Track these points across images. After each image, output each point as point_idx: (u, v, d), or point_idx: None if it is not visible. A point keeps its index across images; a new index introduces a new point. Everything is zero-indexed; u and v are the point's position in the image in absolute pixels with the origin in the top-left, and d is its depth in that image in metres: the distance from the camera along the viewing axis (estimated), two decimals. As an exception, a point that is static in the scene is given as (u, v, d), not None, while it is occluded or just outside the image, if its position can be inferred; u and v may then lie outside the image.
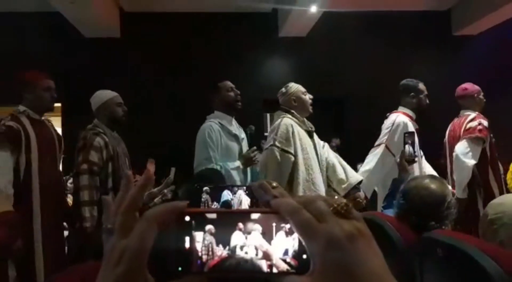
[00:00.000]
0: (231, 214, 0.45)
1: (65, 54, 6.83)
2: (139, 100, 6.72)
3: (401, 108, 3.27)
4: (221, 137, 2.76)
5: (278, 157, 2.69)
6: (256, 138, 4.31)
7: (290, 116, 2.87)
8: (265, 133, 8.21)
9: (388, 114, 3.30)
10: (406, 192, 1.68)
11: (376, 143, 3.20)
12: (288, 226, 0.43)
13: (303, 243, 0.42)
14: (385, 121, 3.27)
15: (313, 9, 6.18)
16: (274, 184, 0.74)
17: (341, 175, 2.90)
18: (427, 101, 3.27)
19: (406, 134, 2.80)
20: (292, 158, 2.71)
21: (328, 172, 2.92)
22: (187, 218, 0.43)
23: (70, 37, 6.69)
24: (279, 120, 2.85)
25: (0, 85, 6.57)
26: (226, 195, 1.12)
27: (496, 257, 0.92)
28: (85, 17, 6.10)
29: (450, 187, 3.13)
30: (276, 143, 2.72)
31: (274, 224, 0.44)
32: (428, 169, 3.21)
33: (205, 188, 1.12)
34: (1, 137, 2.41)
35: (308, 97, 2.98)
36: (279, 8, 7.05)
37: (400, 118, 3.17)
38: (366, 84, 7.02)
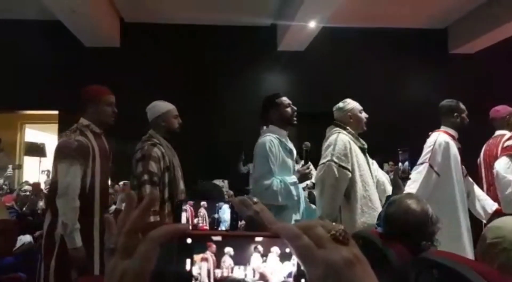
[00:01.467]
0: (232, 237, 0.46)
1: (65, 63, 6.85)
2: (137, 111, 6.71)
3: (443, 128, 3.33)
4: (280, 151, 2.76)
5: (336, 173, 2.70)
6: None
7: (345, 132, 2.89)
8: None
9: (430, 133, 3.36)
10: (388, 218, 1.64)
11: (419, 162, 3.22)
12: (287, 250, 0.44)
13: (302, 268, 0.43)
14: (427, 140, 3.31)
15: (312, 24, 6.25)
16: (255, 199, 0.75)
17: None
18: (468, 119, 3.36)
19: (400, 151, 2.81)
20: (350, 174, 2.73)
21: (378, 189, 2.93)
22: (189, 240, 0.44)
23: (70, 46, 6.72)
24: (335, 135, 2.86)
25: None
26: (226, 209, 1.10)
27: (493, 280, 0.92)
28: (86, 26, 6.14)
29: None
30: (334, 159, 2.73)
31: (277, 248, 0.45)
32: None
33: (202, 203, 1.11)
34: (74, 153, 2.43)
35: (363, 115, 3.03)
36: (278, 23, 7.12)
37: (442, 137, 3.22)
38: (363, 99, 7.06)
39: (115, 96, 6.18)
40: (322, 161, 2.80)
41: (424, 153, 3.22)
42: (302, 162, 2.89)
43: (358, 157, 2.81)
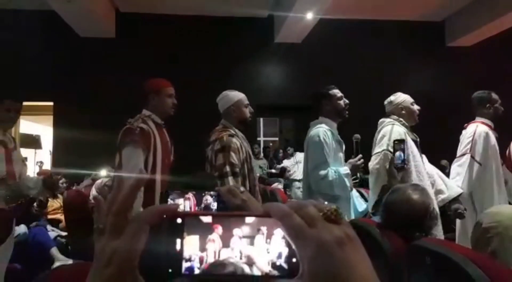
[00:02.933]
0: (224, 217, 0.46)
1: (60, 53, 6.80)
2: (133, 101, 6.69)
3: (478, 119, 3.36)
4: (332, 143, 2.80)
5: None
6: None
7: (399, 124, 2.96)
8: (258, 138, 8.23)
9: (466, 125, 3.38)
10: (388, 205, 1.66)
11: (460, 153, 3.27)
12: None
13: (293, 247, 0.42)
14: (463, 132, 3.36)
15: (309, 16, 6.22)
16: (242, 189, 0.74)
17: (440, 186, 2.98)
18: (502, 108, 3.38)
19: (395, 142, 2.82)
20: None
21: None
22: (179, 220, 0.43)
23: (66, 36, 6.67)
24: (390, 127, 2.93)
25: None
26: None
27: (484, 266, 0.93)
28: (81, 16, 6.08)
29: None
30: (390, 148, 2.80)
31: (265, 228, 0.44)
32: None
33: (206, 192, 1.11)
34: (136, 137, 2.46)
35: (416, 107, 3.08)
36: (275, 15, 7.09)
37: (480, 128, 3.26)
38: (360, 92, 7.08)
39: (110, 86, 6.15)
40: (377, 150, 2.87)
41: (463, 144, 3.27)
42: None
43: (413, 148, 2.88)
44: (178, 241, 0.43)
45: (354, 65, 7.26)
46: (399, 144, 2.76)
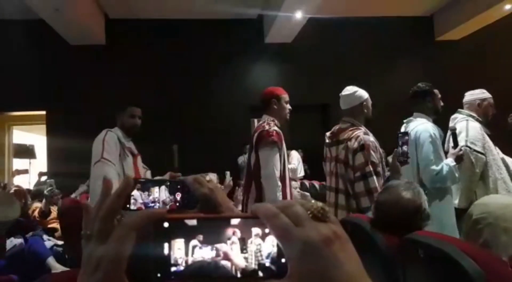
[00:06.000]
0: (211, 219, 0.46)
1: (50, 62, 6.76)
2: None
3: None
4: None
5: (472, 158, 2.88)
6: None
7: (473, 119, 3.04)
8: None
9: None
10: (379, 205, 1.63)
11: None
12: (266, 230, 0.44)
13: (281, 247, 0.42)
14: None
15: (298, 15, 6.23)
16: (208, 178, 0.74)
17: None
18: None
19: (399, 134, 2.73)
20: (484, 158, 2.91)
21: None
22: (166, 224, 0.43)
23: (55, 44, 6.63)
24: (464, 122, 3.03)
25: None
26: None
27: (477, 257, 0.93)
28: (70, 24, 6.05)
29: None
30: (468, 144, 2.91)
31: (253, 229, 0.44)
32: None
33: (169, 181, 1.06)
34: (276, 139, 2.72)
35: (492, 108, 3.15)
36: (264, 15, 7.09)
37: None
38: (352, 89, 7.11)
39: (103, 93, 6.11)
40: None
41: None
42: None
43: (489, 143, 2.97)
44: (166, 245, 0.43)
45: (345, 62, 7.28)
46: (402, 137, 2.65)
